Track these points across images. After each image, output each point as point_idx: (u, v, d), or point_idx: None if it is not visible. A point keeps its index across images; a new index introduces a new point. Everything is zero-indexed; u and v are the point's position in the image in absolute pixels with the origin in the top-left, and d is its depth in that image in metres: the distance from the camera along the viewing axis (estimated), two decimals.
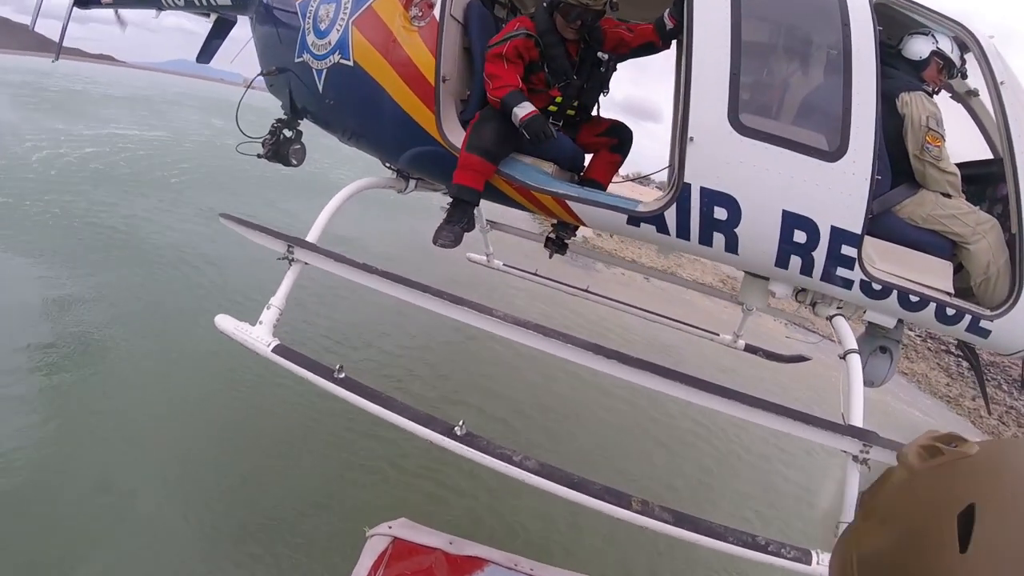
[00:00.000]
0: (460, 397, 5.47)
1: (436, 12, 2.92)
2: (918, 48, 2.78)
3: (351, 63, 3.10)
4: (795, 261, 2.58)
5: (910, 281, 2.59)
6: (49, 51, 6.29)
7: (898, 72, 2.75)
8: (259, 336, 2.63)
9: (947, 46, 2.76)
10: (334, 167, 13.52)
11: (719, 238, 2.60)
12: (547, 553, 3.71)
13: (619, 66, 3.21)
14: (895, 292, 2.57)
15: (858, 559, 0.46)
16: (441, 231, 2.96)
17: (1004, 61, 2.65)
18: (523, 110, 2.72)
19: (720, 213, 2.55)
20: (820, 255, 2.53)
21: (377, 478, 4.07)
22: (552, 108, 3.07)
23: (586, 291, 5.33)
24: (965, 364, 10.18)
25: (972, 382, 10.37)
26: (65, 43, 5.76)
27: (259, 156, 4.07)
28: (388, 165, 3.68)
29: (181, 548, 3.26)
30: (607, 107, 3.40)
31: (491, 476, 2.39)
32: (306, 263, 2.85)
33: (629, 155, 3.37)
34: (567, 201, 2.87)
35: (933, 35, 2.77)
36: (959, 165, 2.74)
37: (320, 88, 3.31)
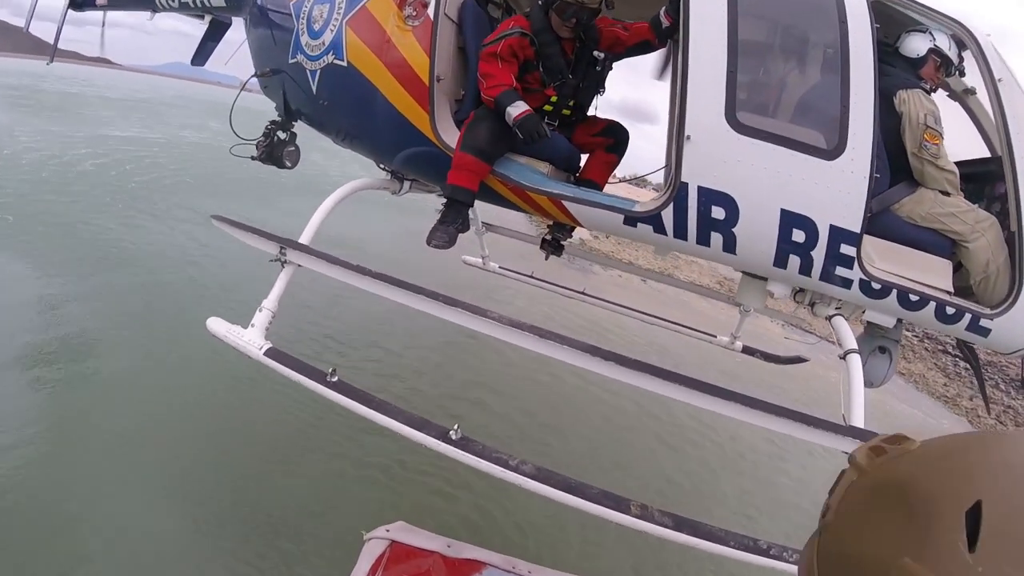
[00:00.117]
0: (464, 394, 5.44)
1: (430, 11, 2.89)
2: (916, 46, 2.77)
3: (345, 63, 3.07)
4: (794, 260, 2.55)
5: (909, 280, 2.57)
6: (45, 53, 6.26)
7: (896, 70, 2.74)
8: (251, 339, 2.60)
9: (945, 44, 2.75)
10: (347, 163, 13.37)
11: (717, 238, 2.57)
12: (558, 554, 3.70)
13: (614, 67, 3.18)
14: (894, 291, 2.55)
15: (818, 556, 0.48)
16: (435, 232, 2.93)
17: (1002, 59, 2.64)
18: (516, 109, 2.69)
19: (718, 212, 2.52)
20: (819, 254, 2.50)
21: (385, 476, 4.06)
22: (547, 107, 3.04)
23: (583, 294, 5.29)
24: (963, 364, 10.19)
25: (970, 382, 10.36)
26: (62, 46, 5.72)
27: (253, 158, 4.03)
28: (382, 166, 3.65)
29: (181, 548, 3.24)
30: (603, 109, 3.38)
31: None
32: (299, 265, 2.81)
33: (625, 156, 3.34)
34: (563, 201, 2.84)
35: (931, 33, 2.76)
36: (957, 163, 2.73)
37: (314, 89, 3.27)
